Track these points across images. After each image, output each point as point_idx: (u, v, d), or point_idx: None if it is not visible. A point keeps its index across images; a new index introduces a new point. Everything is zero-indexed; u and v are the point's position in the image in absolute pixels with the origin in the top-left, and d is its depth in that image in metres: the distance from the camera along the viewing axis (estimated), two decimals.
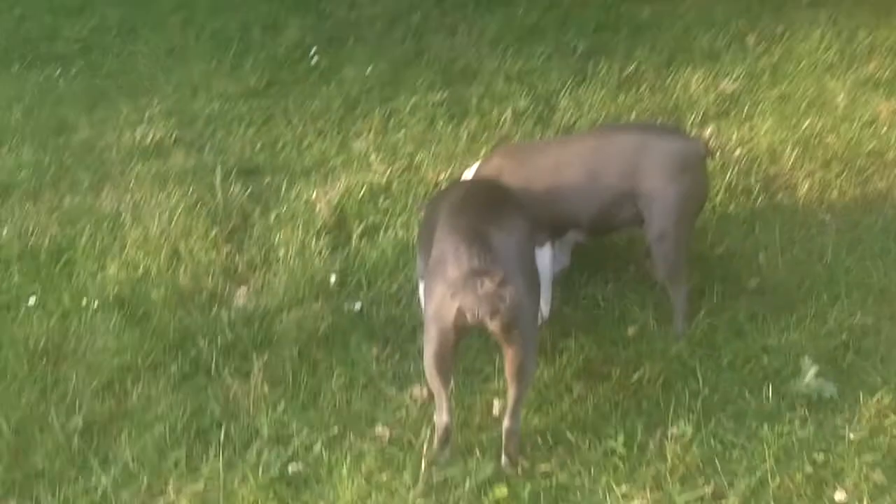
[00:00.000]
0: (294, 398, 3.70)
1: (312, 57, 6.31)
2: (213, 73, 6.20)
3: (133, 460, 3.46)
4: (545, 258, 3.89)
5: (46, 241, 4.61)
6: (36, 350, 3.96)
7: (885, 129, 5.13)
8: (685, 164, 3.84)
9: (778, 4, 6.64)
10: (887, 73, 5.68)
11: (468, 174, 4.18)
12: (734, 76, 5.74)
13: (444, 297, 3.21)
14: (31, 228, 4.72)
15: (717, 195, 4.63)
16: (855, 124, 5.17)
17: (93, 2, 7.38)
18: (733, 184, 4.76)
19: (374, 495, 3.24)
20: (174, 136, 5.47)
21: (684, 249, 3.90)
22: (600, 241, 4.28)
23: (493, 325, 3.18)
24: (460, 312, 3.18)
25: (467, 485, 3.26)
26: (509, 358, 3.28)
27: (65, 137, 5.52)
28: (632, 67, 5.90)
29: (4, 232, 4.69)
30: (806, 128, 5.16)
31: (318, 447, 3.46)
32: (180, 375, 3.82)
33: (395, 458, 3.38)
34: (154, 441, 3.52)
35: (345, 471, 3.32)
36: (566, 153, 4.04)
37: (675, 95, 5.62)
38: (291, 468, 3.39)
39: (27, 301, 4.23)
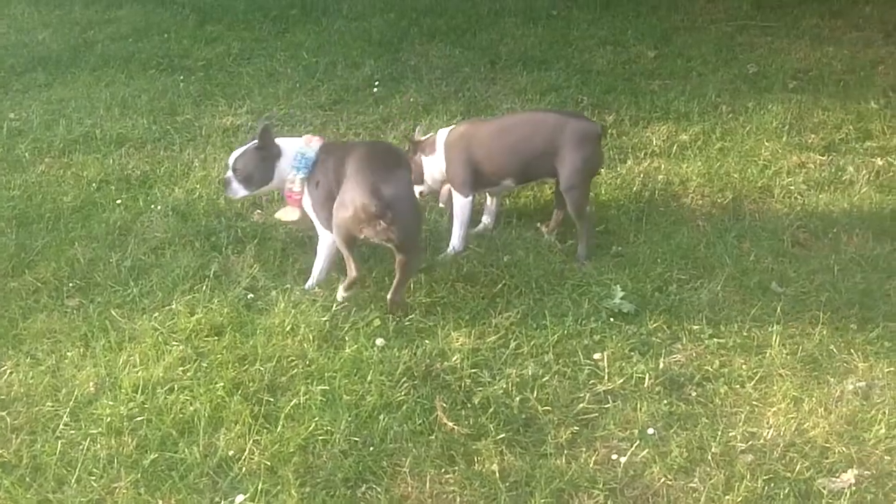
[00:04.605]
0: (268, 269, 5.73)
1: (375, 87, 8.59)
2: (296, 91, 8.48)
3: (156, 286, 5.61)
4: (466, 207, 5.97)
5: (138, 172, 6.90)
6: (115, 227, 6.13)
7: (784, 175, 6.96)
8: (587, 138, 5.86)
9: (767, 86, 8.64)
10: (821, 141, 7.49)
11: (441, 133, 6.14)
12: (693, 131, 7.72)
13: (355, 224, 5.06)
14: (130, 164, 7.03)
15: (630, 200, 6.55)
16: (763, 170, 6.97)
17: (224, 35, 9.94)
18: (643, 192, 6.69)
19: (296, 316, 5.34)
20: (250, 124, 7.75)
21: (585, 197, 5.87)
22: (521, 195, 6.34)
23: (389, 245, 5.17)
24: (367, 236, 5.10)
25: (359, 321, 5.33)
26: (398, 259, 5.22)
27: (173, 117, 7.86)
28: (611, 117, 7.96)
29: (110, 162, 7.05)
30: (721, 167, 7.08)
31: (273, 293, 5.53)
32: (200, 249, 5.92)
33: (317, 300, 5.48)
34: (172, 277, 5.58)
35: (282, 304, 5.46)
36: (508, 123, 6.19)
37: (639, 139, 7.63)
38: (252, 299, 5.50)
39: (116, 202, 6.49)
